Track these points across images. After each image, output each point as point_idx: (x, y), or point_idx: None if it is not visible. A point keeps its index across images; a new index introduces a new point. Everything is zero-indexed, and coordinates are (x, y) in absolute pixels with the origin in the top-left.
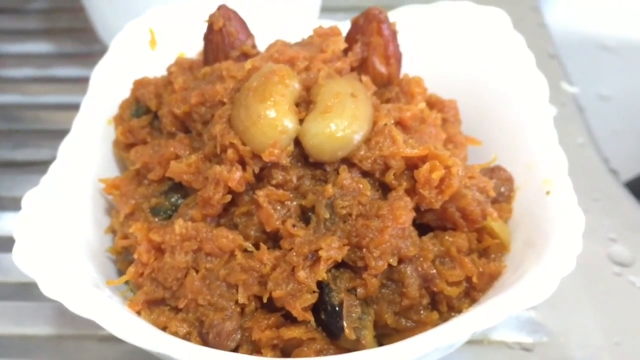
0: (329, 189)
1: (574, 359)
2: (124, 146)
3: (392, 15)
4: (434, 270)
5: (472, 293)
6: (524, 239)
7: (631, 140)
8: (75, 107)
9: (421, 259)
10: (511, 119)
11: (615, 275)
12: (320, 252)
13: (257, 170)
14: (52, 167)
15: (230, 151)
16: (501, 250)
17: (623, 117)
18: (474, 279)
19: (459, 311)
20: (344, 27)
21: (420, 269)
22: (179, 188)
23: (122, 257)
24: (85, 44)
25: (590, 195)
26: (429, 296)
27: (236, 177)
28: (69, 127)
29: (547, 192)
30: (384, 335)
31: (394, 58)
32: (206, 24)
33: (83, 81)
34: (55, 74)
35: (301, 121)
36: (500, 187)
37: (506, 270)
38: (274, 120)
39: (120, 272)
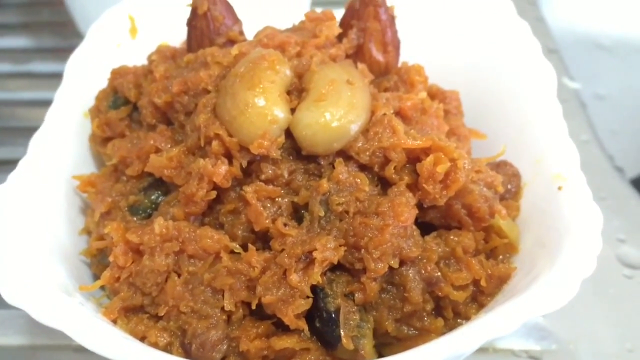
0: (324, 184)
1: None
2: (101, 140)
3: None
4: (439, 273)
5: (480, 297)
6: (534, 239)
7: (630, 139)
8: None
9: (424, 260)
10: (517, 111)
11: (626, 277)
12: (315, 254)
13: (244, 164)
14: (21, 163)
15: (215, 143)
16: (510, 251)
17: (620, 116)
18: (482, 282)
19: (466, 317)
20: (338, 14)
21: (423, 272)
22: (160, 184)
23: (97, 260)
24: (64, 39)
25: (596, 194)
26: (433, 301)
27: (222, 171)
28: None
29: (559, 188)
30: (384, 345)
31: (392, 45)
32: (190, 9)
33: (60, 77)
34: (33, 69)
35: (293, 110)
36: (507, 184)
37: (516, 273)
38: (263, 109)
39: (96, 277)
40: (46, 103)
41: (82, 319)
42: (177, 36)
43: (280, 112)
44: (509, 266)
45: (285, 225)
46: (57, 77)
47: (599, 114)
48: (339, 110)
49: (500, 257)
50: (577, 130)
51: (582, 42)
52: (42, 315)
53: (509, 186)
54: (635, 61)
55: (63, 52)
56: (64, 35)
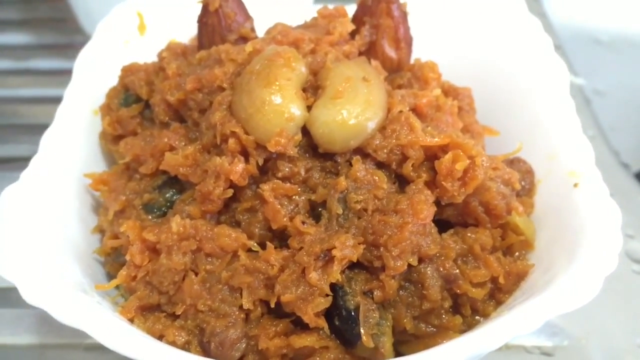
0: (342, 181)
1: None
2: (112, 138)
3: None
4: (457, 270)
5: (498, 295)
6: (550, 236)
7: (629, 135)
8: (56, 101)
9: (442, 258)
10: (529, 107)
11: (635, 273)
12: (334, 252)
13: (261, 161)
14: (33, 161)
15: (231, 141)
16: (526, 248)
17: (619, 112)
18: (500, 280)
19: (484, 315)
20: (350, 10)
21: (441, 269)
22: (174, 182)
23: (112, 259)
24: (66, 35)
25: None
26: (451, 299)
27: (238, 169)
28: (50, 121)
29: (575, 185)
30: (402, 342)
31: (405, 42)
32: (200, 6)
33: (64, 73)
34: (34, 66)
35: (309, 108)
36: (521, 180)
37: (534, 270)
38: (279, 106)
39: (110, 276)
40: (48, 100)
41: (102, 318)
42: (186, 33)
43: (297, 110)
44: (527, 263)
45: (303, 223)
46: (58, 73)
47: (599, 110)
48: (355, 108)
49: (517, 254)
50: (583, 126)
51: (581, 38)
52: (63, 315)
53: (523, 183)
54: (634, 57)
55: (64, 49)
56: (65, 31)
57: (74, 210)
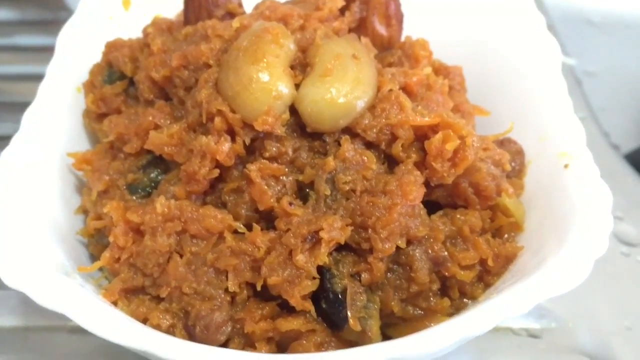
0: (330, 162)
1: (584, 345)
2: (96, 116)
3: None
4: (445, 253)
5: (486, 277)
6: (540, 217)
7: (619, 117)
8: (40, 78)
9: (431, 240)
10: (520, 86)
11: (623, 255)
12: (321, 234)
13: (248, 141)
14: (14, 139)
15: (217, 120)
16: (515, 230)
17: (609, 93)
18: (489, 262)
19: (472, 297)
20: None
21: (430, 251)
22: (159, 162)
23: (95, 241)
24: (50, 10)
25: None
26: (439, 281)
27: (225, 149)
28: (33, 99)
29: (565, 166)
30: (389, 325)
31: (395, 19)
32: None
33: (48, 50)
34: (18, 42)
35: (297, 86)
36: (511, 161)
37: (523, 252)
38: (267, 84)
39: (93, 258)
40: (31, 77)
41: (84, 301)
42: (172, 8)
43: (284, 88)
44: (516, 245)
45: (290, 204)
46: (43, 50)
47: (589, 91)
48: (345, 86)
49: (506, 235)
50: (575, 107)
51: (573, 18)
52: (44, 298)
53: (513, 164)
54: (625, 38)
55: (48, 25)
56: (49, 6)
57: (56, 190)
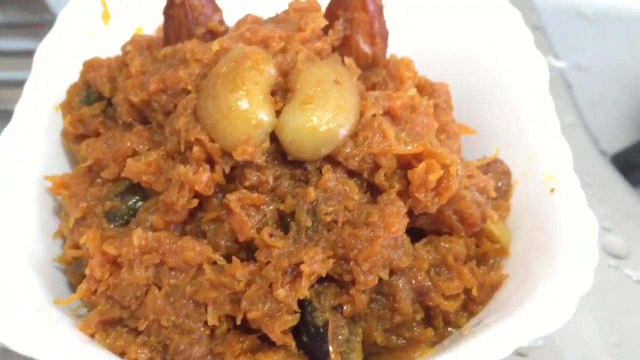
0: (311, 192)
1: None
2: (74, 137)
3: None
4: (429, 283)
5: (471, 306)
6: (526, 242)
7: (610, 111)
8: (23, 84)
9: (415, 269)
10: (507, 104)
11: (611, 268)
12: (302, 267)
13: (227, 169)
14: None
15: (196, 149)
16: (500, 255)
17: (600, 88)
18: (474, 292)
19: (457, 326)
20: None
21: (413, 281)
22: (137, 189)
23: (73, 269)
24: (33, 13)
25: (581, 180)
26: (423, 311)
27: (203, 179)
28: (14, 107)
29: (552, 190)
30: (372, 354)
31: (380, 37)
32: None
33: (31, 55)
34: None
35: (278, 113)
36: (497, 181)
37: (509, 280)
38: (246, 112)
39: (72, 285)
40: (14, 83)
41: (57, 343)
42: (153, 22)
43: (265, 116)
44: (501, 273)
45: (271, 235)
46: (26, 54)
47: (579, 86)
48: (326, 114)
49: (491, 261)
50: (563, 112)
51: (564, 12)
52: (16, 343)
53: (499, 184)
54: (617, 31)
55: (32, 28)
56: (32, 9)
57: (33, 213)
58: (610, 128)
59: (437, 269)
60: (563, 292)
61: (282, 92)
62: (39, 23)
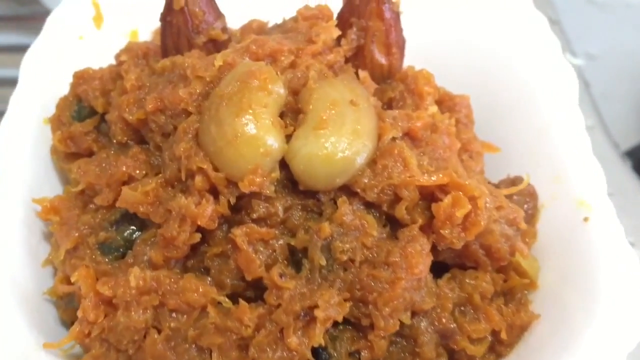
0: (326, 227)
1: None
2: (65, 155)
3: None
4: (454, 325)
5: (499, 348)
6: (557, 276)
7: (622, 103)
8: (13, 82)
9: (438, 309)
10: (533, 118)
11: None
12: (316, 312)
13: (233, 200)
14: None
15: (198, 178)
16: (528, 288)
17: (611, 77)
18: (502, 335)
19: None
20: (335, 5)
21: (437, 323)
22: (134, 217)
23: (64, 304)
24: (24, 6)
25: None
26: (447, 354)
27: (207, 213)
28: (6, 106)
29: (585, 219)
30: None
31: (397, 46)
32: (163, 1)
33: (23, 50)
34: None
35: (288, 137)
36: (523, 204)
37: (539, 321)
38: (254, 138)
39: (63, 321)
40: (4, 81)
41: None
42: (149, 24)
43: (274, 142)
44: (532, 313)
45: (281, 275)
46: (17, 50)
47: (591, 76)
48: (342, 140)
49: (518, 295)
50: (584, 114)
51: None
52: None
53: (525, 207)
54: (628, 18)
55: (23, 22)
56: (23, 1)
57: (20, 240)
58: (622, 120)
59: (462, 309)
60: (608, 347)
61: (292, 114)
62: (30, 16)
